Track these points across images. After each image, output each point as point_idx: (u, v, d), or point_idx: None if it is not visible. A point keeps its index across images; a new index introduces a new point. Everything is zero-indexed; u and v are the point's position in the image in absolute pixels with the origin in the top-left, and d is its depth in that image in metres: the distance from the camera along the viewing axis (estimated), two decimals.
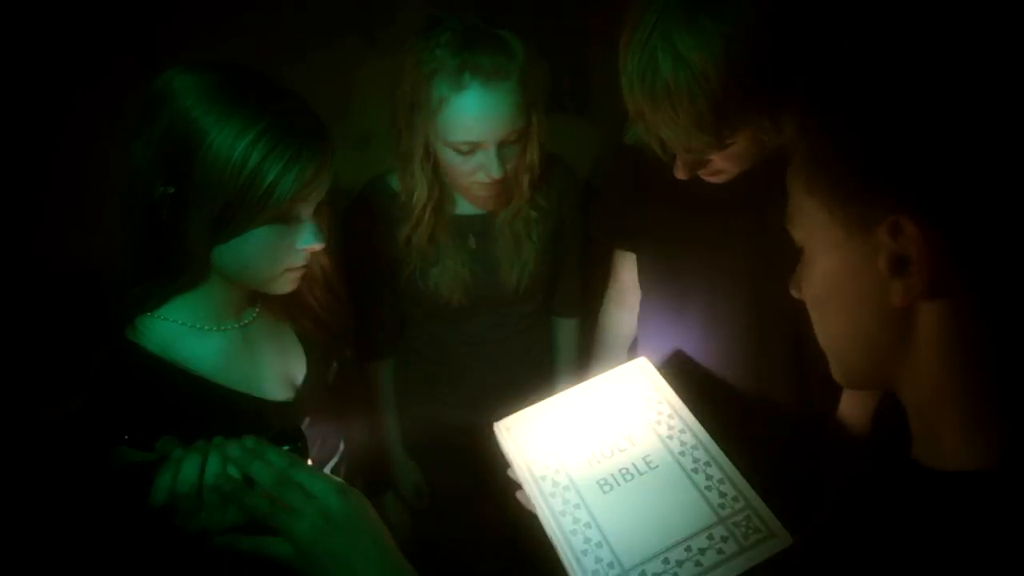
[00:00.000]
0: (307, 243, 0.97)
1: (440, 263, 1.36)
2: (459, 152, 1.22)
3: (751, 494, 0.98)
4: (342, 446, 1.19)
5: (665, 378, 1.15)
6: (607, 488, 0.99)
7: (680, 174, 1.04)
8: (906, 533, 0.52)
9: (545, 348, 1.59)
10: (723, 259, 1.18)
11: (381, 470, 1.56)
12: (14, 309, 1.72)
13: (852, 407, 1.24)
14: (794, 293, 0.65)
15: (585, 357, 1.62)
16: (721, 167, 1.03)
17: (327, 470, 1.15)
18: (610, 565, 0.91)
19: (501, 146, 1.23)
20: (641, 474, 1.01)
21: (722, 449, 1.04)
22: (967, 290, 0.49)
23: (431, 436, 1.58)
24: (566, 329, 1.61)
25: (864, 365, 0.59)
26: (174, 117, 0.87)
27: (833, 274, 0.57)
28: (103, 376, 0.94)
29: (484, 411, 1.53)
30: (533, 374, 1.56)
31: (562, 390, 1.15)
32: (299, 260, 0.98)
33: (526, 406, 1.13)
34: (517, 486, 1.07)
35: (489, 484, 1.56)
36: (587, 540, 0.94)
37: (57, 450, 1.38)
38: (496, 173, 1.24)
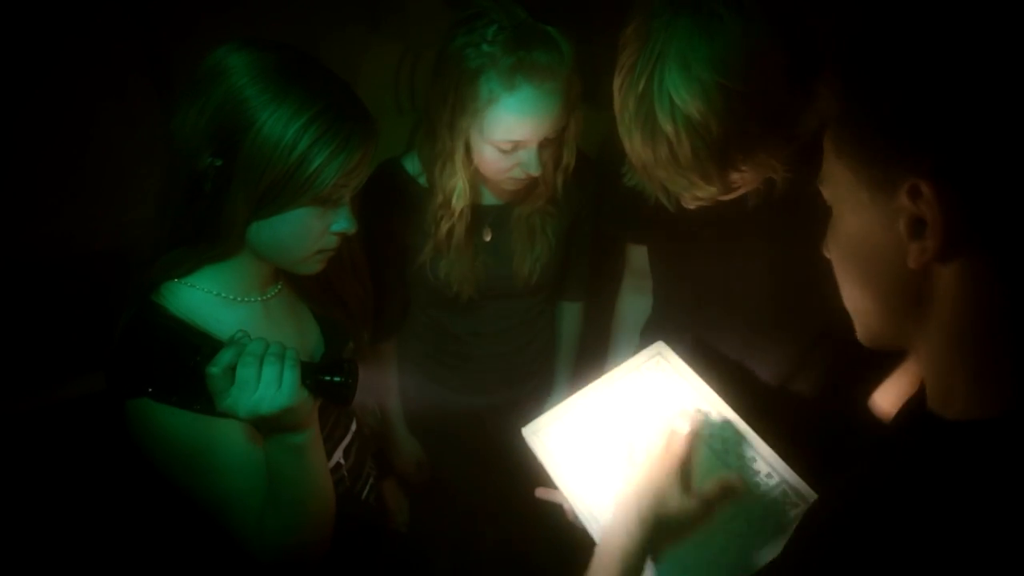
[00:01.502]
0: (341, 227, 0.99)
1: (452, 254, 1.35)
2: (501, 150, 1.20)
3: (784, 468, 0.98)
4: (354, 426, 1.21)
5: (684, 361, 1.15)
6: None
7: (688, 206, 1.02)
8: (922, 479, 0.54)
9: (547, 338, 1.60)
10: (735, 251, 1.18)
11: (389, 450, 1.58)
12: (25, 292, 1.73)
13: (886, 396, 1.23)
14: (825, 253, 0.68)
15: (589, 340, 1.63)
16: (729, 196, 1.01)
17: (340, 450, 1.16)
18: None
19: (542, 145, 1.22)
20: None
21: (751, 426, 1.03)
22: (979, 252, 0.52)
23: (431, 420, 1.59)
24: (571, 313, 1.62)
25: (883, 325, 0.62)
26: (228, 93, 0.89)
27: (857, 234, 0.60)
28: (128, 335, 0.95)
29: (484, 397, 1.55)
30: (534, 362, 1.58)
31: (582, 385, 1.13)
32: (331, 243, 1.00)
33: (550, 408, 1.12)
34: (541, 484, 1.07)
35: (487, 468, 1.58)
36: None
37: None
38: (535, 171, 1.23)
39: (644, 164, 0.93)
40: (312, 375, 0.89)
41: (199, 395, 0.87)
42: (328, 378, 0.89)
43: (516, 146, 1.20)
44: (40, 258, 1.75)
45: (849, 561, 0.52)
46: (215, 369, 0.83)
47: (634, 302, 1.47)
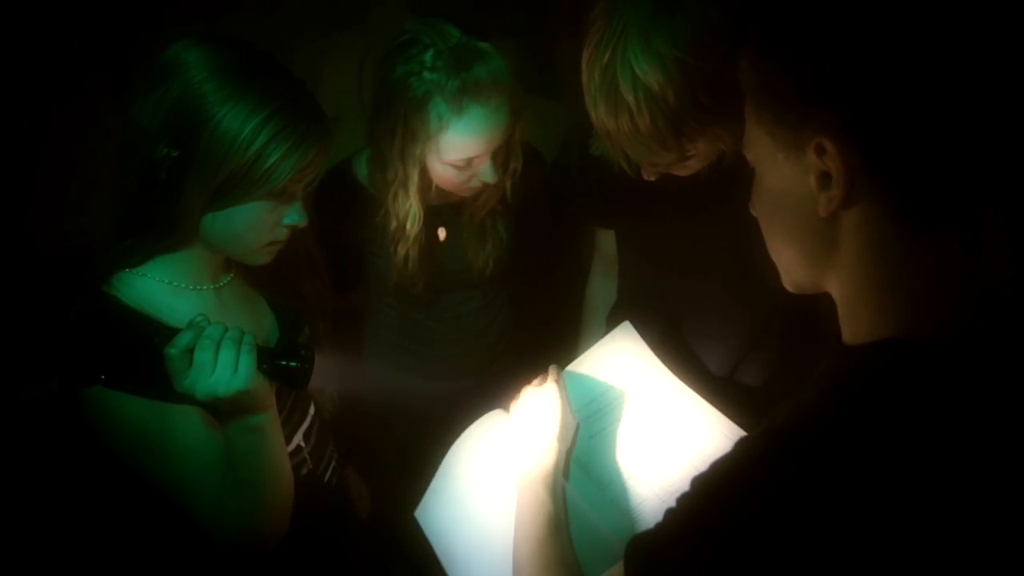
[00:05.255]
0: (293, 220, 1.01)
1: (408, 254, 1.36)
2: (456, 167, 1.23)
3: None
4: (312, 409, 1.22)
5: (648, 343, 1.17)
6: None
7: (648, 177, 1.08)
8: (845, 393, 0.61)
9: (505, 321, 1.63)
10: (699, 230, 1.21)
11: (350, 437, 1.57)
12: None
13: None
14: (752, 211, 0.74)
15: (554, 325, 1.65)
16: (685, 167, 1.07)
17: (299, 433, 1.17)
18: None
19: (495, 154, 1.25)
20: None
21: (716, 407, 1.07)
22: (877, 198, 0.60)
23: (399, 407, 1.59)
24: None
25: (804, 272, 0.70)
26: (186, 87, 0.90)
27: (777, 191, 0.68)
28: (79, 325, 0.97)
29: (450, 382, 1.56)
30: (495, 345, 1.61)
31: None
32: (282, 235, 1.03)
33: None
34: None
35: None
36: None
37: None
38: (493, 179, 1.26)
39: (608, 133, 0.99)
40: (268, 360, 0.91)
41: (153, 381, 0.89)
42: (284, 363, 0.92)
43: (471, 161, 1.23)
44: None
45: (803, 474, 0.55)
46: (173, 350, 0.85)
47: (602, 286, 1.51)
